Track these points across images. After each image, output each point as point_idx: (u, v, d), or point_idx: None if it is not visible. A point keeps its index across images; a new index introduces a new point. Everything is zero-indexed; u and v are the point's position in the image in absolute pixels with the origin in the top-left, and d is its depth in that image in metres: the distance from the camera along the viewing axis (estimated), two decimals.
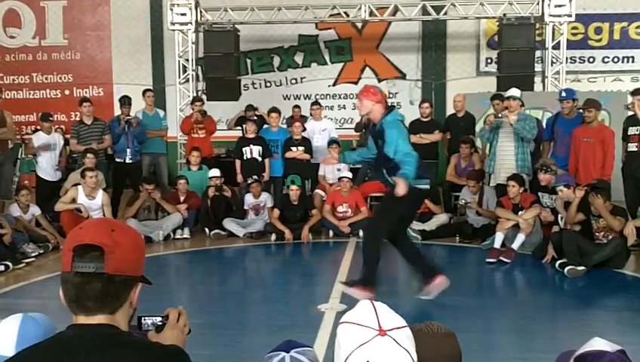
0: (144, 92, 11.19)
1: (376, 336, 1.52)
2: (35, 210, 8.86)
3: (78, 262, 1.62)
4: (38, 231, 8.67)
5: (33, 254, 8.02)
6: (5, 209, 9.13)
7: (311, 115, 11.34)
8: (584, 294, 6.67)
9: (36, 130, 11.02)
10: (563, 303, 6.44)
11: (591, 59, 13.87)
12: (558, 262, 7.12)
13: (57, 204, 8.82)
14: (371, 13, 12.11)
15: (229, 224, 9.33)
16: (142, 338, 1.74)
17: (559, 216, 7.84)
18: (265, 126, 10.98)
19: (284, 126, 11.90)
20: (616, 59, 13.86)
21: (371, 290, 5.70)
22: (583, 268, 6.87)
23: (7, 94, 11.09)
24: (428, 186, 5.98)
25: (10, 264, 7.43)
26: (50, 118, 10.26)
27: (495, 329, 5.57)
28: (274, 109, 10.73)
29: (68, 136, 11.17)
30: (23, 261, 7.76)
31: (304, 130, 10.63)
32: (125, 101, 10.43)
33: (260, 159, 10.09)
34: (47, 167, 9.92)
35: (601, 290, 6.74)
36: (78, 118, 10.80)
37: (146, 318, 1.89)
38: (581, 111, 8.49)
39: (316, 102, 11.56)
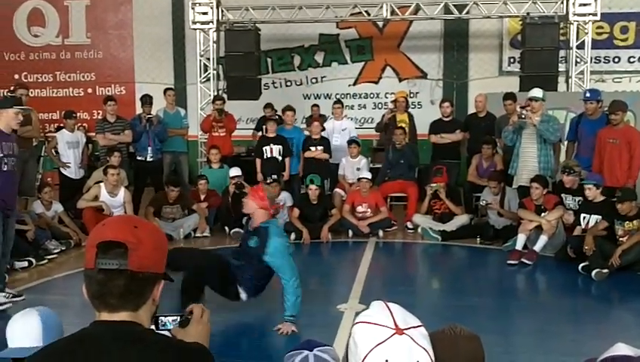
0: (165, 91, 11.24)
1: (393, 335, 1.52)
2: (57, 207, 8.94)
3: (101, 259, 1.62)
4: (61, 228, 8.74)
5: (55, 251, 8.11)
6: (28, 206, 9.21)
7: (332, 113, 11.31)
8: (607, 297, 6.62)
9: (59, 128, 11.11)
10: (585, 305, 6.39)
11: (616, 59, 13.69)
12: (581, 264, 7.04)
13: (80, 201, 8.90)
14: (393, 12, 12.05)
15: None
16: (164, 336, 1.74)
17: (582, 217, 7.74)
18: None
19: (304, 125, 11.89)
20: None
21: None
22: (607, 270, 6.80)
23: (31, 92, 11.17)
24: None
25: (33, 260, 7.53)
26: (74, 116, 10.35)
27: (517, 331, 5.53)
28: (288, 107, 10.76)
29: (92, 134, 11.25)
30: (46, 257, 7.85)
31: (323, 129, 10.62)
32: (146, 100, 10.47)
33: (280, 158, 10.08)
34: (70, 165, 9.99)
35: (625, 293, 6.69)
36: (100, 117, 10.89)
37: (163, 318, 1.87)
38: (606, 112, 8.37)
39: (338, 101, 11.54)
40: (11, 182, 6.07)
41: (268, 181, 9.68)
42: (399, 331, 1.52)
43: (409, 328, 1.54)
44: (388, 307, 1.60)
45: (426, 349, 1.53)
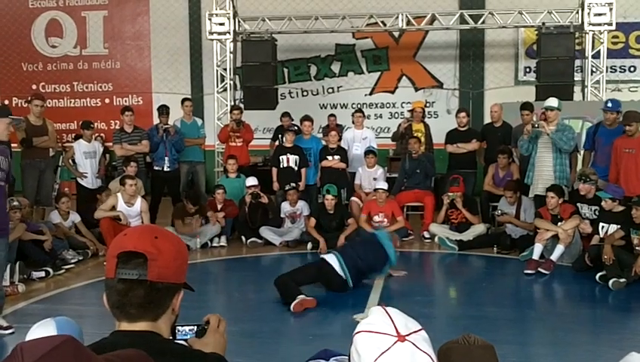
0: (182, 101, 11.28)
1: (396, 343, 1.51)
2: (74, 217, 9.00)
3: (121, 269, 1.64)
4: (78, 238, 8.80)
5: (73, 261, 8.15)
6: (46, 216, 9.28)
7: (353, 122, 11.26)
8: (624, 307, 6.55)
9: (77, 138, 11.22)
10: (602, 316, 6.34)
11: (632, 69, 13.65)
12: (599, 274, 7.00)
13: (97, 211, 8.94)
14: (408, 22, 12.07)
15: (266, 232, 9.37)
16: (182, 346, 1.76)
17: (600, 226, 7.69)
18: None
19: (320, 135, 11.90)
20: None
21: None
22: (624, 280, 6.76)
23: (49, 103, 11.31)
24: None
25: (50, 270, 7.57)
26: (91, 126, 10.42)
27: (533, 341, 5.50)
28: (306, 117, 10.76)
29: (109, 144, 11.32)
30: (63, 267, 7.89)
31: (340, 139, 10.62)
32: (163, 110, 10.52)
33: (296, 168, 10.10)
34: (87, 175, 10.06)
35: None
36: (118, 127, 10.98)
37: (180, 327, 1.89)
38: (622, 123, 8.32)
39: (359, 110, 11.42)
40: (1, 196, 5.48)
41: (286, 188, 9.71)
42: (401, 338, 1.51)
43: (410, 333, 1.53)
44: (387, 313, 1.58)
45: (429, 354, 1.53)
